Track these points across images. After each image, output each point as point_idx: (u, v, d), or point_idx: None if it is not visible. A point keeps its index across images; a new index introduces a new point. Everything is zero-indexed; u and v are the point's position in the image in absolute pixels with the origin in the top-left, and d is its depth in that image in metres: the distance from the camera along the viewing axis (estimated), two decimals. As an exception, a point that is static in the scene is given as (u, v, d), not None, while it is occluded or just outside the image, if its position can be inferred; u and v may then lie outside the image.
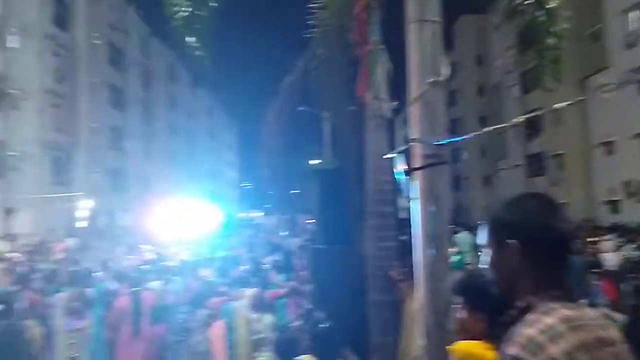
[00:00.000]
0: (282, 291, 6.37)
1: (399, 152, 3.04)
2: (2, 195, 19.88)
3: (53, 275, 7.27)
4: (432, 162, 2.72)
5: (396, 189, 4.34)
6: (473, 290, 1.92)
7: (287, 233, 20.72)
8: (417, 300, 2.81)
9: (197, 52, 5.75)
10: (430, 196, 2.70)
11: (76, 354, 5.83)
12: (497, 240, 1.36)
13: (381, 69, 4.85)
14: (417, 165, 2.82)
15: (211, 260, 9.44)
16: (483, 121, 33.45)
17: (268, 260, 9.89)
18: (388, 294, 4.18)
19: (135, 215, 31.09)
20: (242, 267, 8.40)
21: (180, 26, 5.33)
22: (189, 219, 18.99)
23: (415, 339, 2.99)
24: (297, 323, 3.45)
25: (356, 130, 6.03)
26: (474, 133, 3.23)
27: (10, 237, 18.13)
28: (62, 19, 25.04)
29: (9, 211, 20.51)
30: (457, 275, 2.50)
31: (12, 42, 20.92)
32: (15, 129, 20.66)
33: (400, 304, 4.06)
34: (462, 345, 1.88)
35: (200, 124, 49.57)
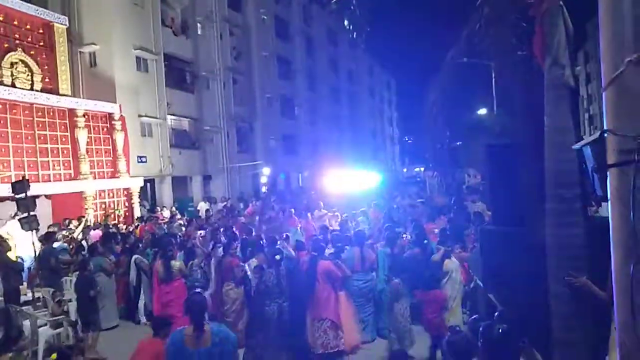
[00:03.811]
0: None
1: (588, 143, 2.64)
2: (201, 165, 23.36)
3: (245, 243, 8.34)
4: (629, 160, 2.31)
5: (583, 171, 3.83)
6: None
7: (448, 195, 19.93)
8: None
9: (356, 31, 5.81)
10: (625, 199, 2.31)
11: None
12: None
13: (561, 31, 4.22)
14: (610, 162, 2.43)
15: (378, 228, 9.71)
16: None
17: (434, 228, 9.78)
18: (572, 287, 3.80)
19: (308, 177, 33.63)
20: (406, 236, 8.44)
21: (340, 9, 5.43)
22: (355, 178, 19.70)
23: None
24: (470, 321, 3.34)
25: (531, 96, 5.44)
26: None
27: (210, 199, 21.36)
28: (235, 0, 27.48)
29: (206, 178, 24.09)
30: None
31: (198, 29, 23.79)
32: (207, 106, 23.80)
33: (586, 298, 3.67)
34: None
35: (360, 84, 50.19)
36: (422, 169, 41.46)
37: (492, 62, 16.22)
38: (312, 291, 6.28)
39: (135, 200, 16.56)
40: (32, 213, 8.75)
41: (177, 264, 7.51)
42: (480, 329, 2.81)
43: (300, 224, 12.17)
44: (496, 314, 3.60)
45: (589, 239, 3.91)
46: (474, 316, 3.35)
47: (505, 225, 4.77)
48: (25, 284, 9.43)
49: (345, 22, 4.92)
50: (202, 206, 19.31)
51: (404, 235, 8.23)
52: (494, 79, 17.27)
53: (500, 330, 2.74)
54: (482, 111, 26.05)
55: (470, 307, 6.64)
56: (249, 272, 6.94)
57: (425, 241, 7.18)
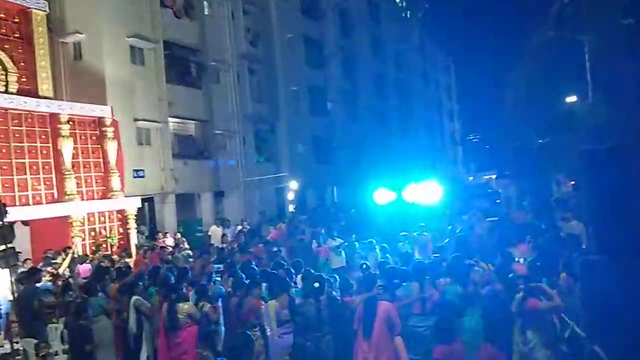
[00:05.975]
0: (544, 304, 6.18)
1: None
2: (212, 179, 23.75)
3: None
4: None
5: None
6: None
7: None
8: None
9: (412, 9, 5.86)
10: None
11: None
12: None
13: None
14: None
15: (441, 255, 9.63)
16: None
17: (518, 254, 9.61)
18: None
19: (345, 191, 33.63)
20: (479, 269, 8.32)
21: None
22: (408, 191, 19.46)
23: None
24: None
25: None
26: None
27: (223, 222, 21.64)
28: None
29: (218, 195, 24.48)
30: None
31: (205, 9, 24.37)
32: (217, 104, 24.28)
33: None
34: None
35: (411, 69, 50.04)
36: (494, 176, 40.76)
37: (586, 36, 16.01)
38: (369, 336, 6.41)
39: (132, 225, 17.00)
40: (9, 245, 9.08)
41: (185, 307, 7.59)
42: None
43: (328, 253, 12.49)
44: None
45: None
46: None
47: (614, 254, 4.65)
48: (2, 333, 9.80)
49: (397, 0, 4.97)
50: (215, 231, 19.58)
51: (477, 268, 8.12)
52: (587, 58, 16.99)
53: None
54: (572, 99, 25.48)
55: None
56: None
57: (510, 275, 7.08)
